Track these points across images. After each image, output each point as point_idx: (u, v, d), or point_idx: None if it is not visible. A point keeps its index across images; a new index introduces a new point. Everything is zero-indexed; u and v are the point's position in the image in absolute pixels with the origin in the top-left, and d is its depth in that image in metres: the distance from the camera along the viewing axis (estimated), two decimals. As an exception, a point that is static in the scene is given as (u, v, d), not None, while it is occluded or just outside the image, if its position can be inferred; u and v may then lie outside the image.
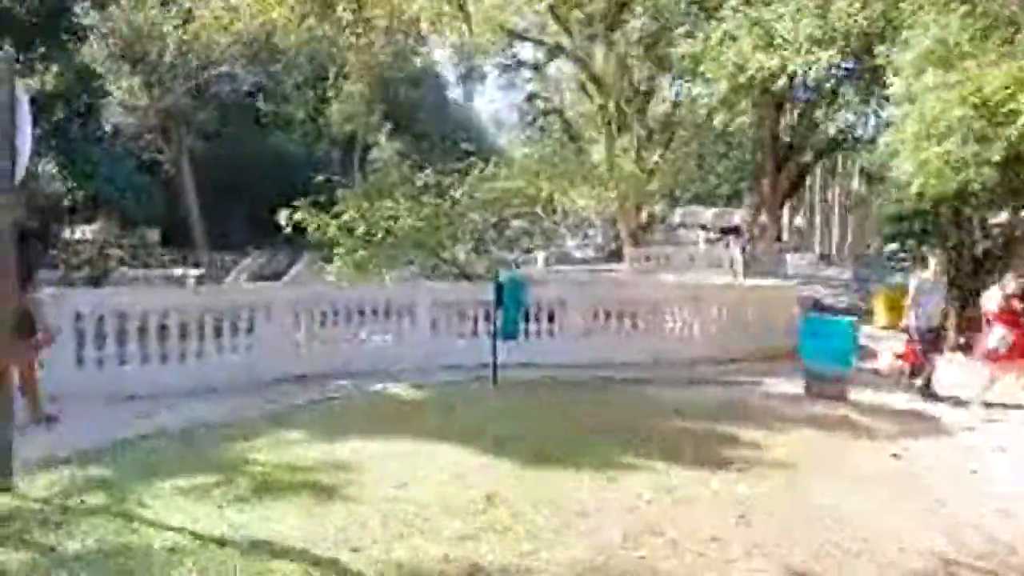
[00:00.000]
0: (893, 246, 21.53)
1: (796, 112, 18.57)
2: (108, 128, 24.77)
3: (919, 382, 8.00)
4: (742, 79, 11.61)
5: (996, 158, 6.55)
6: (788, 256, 24.31)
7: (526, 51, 28.04)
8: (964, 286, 11.54)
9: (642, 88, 21.75)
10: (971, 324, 11.35)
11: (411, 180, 13.42)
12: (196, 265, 23.07)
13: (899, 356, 8.35)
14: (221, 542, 3.55)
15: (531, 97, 32.34)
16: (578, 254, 31.44)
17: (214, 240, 26.98)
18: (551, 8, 19.72)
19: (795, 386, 8.25)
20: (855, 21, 9.70)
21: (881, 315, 13.94)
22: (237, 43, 24.32)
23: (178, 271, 20.99)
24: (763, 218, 21.13)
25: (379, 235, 11.91)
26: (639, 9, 17.22)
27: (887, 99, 13.06)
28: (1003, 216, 14.12)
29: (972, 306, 11.84)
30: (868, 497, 4.83)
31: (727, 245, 24.97)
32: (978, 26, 6.44)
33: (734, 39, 11.85)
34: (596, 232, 34.39)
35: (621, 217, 23.09)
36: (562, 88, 31.05)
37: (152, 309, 7.48)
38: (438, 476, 4.75)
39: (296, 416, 6.32)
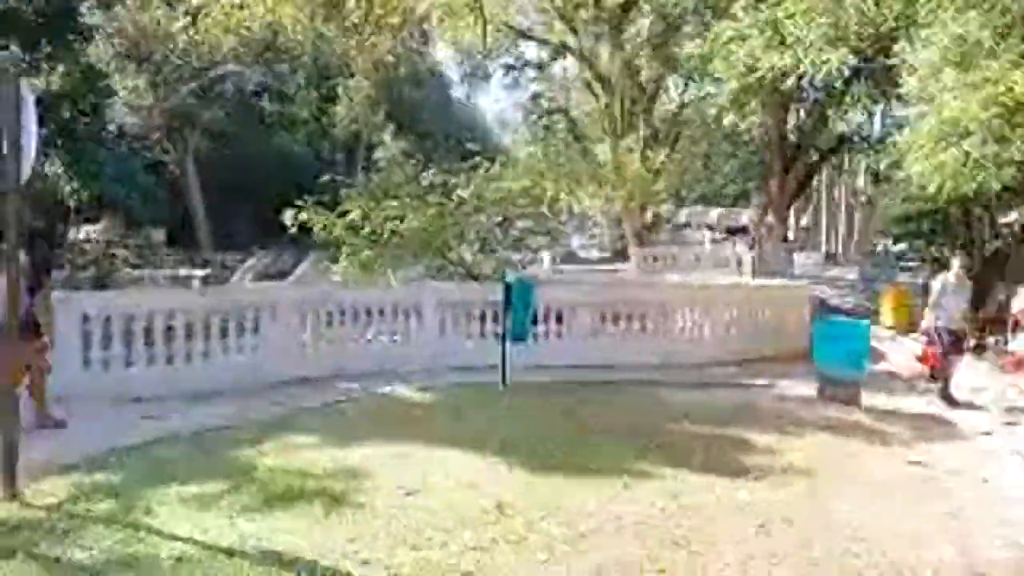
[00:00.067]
0: (901, 246, 21.42)
1: (804, 112, 18.43)
2: (113, 128, 24.76)
3: (939, 385, 7.86)
4: (752, 79, 11.48)
5: (1017, 157, 6.43)
6: (795, 256, 24.17)
7: (531, 50, 27.99)
8: (975, 286, 11.38)
9: (648, 88, 21.62)
10: (983, 325, 11.24)
11: (416, 180, 13.36)
12: (201, 265, 23.05)
13: (919, 359, 8.20)
14: (230, 552, 3.48)
15: (536, 97, 32.23)
16: (583, 254, 31.35)
17: (219, 240, 26.98)
18: (557, 8, 19.64)
19: (807, 389, 8.15)
20: (868, 20, 9.56)
21: (888, 316, 13.80)
22: (242, 43, 24.30)
23: (183, 271, 20.97)
24: (770, 218, 20.98)
25: (385, 235, 11.84)
26: (647, 8, 17.09)
27: (899, 99, 12.97)
28: (1012, 216, 13.99)
29: (983, 307, 11.74)
30: (886, 504, 4.73)
31: (734, 245, 24.85)
32: (998, 24, 6.31)
33: (744, 38, 11.72)
34: (601, 232, 34.28)
35: (626, 217, 22.97)
36: (567, 87, 30.95)
37: (158, 310, 7.43)
38: (448, 483, 4.67)
39: (304, 419, 6.25)
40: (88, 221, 24.15)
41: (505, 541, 3.75)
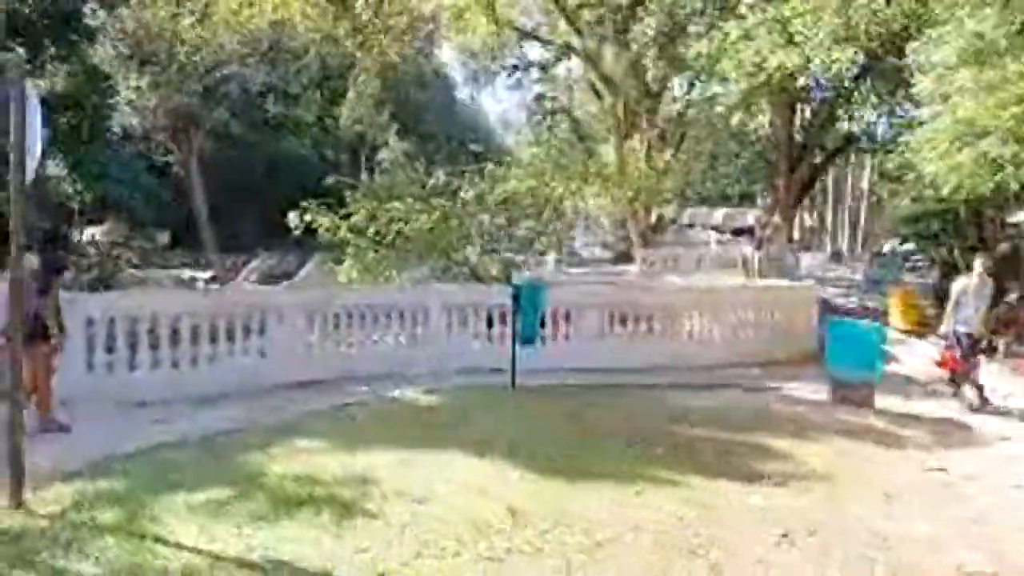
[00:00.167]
0: (909, 246, 21.26)
1: (810, 111, 18.30)
2: (118, 129, 24.74)
3: (968, 391, 7.67)
4: (760, 78, 11.38)
5: (1037, 157, 6.33)
6: (801, 256, 24.02)
7: (534, 51, 27.90)
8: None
9: (653, 88, 21.50)
10: (995, 328, 11.09)
11: (422, 181, 13.29)
12: (206, 267, 23.01)
13: (938, 364, 8.05)
14: (239, 562, 3.39)
15: (540, 97, 32.15)
16: (587, 255, 31.23)
17: (224, 242, 26.92)
18: (562, 8, 19.54)
19: (819, 391, 8.04)
20: (879, 18, 9.45)
21: (896, 317, 13.66)
22: (247, 44, 24.27)
23: (187, 273, 20.92)
24: (776, 218, 20.84)
25: (390, 236, 11.77)
26: (653, 7, 16.98)
27: (909, 98, 12.83)
28: (1021, 216, 13.86)
29: (995, 307, 11.58)
30: (907, 511, 4.64)
31: (739, 246, 24.70)
32: (1015, 22, 6.19)
33: (752, 38, 11.63)
34: (606, 233, 34.18)
35: (631, 218, 22.86)
36: (571, 88, 30.85)
37: (163, 312, 7.36)
38: (460, 490, 4.57)
39: (312, 423, 6.16)
40: (92, 223, 24.12)
41: (519, 551, 3.66)
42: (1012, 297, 11.71)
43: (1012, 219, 14.25)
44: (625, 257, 26.04)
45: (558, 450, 5.49)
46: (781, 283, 14.76)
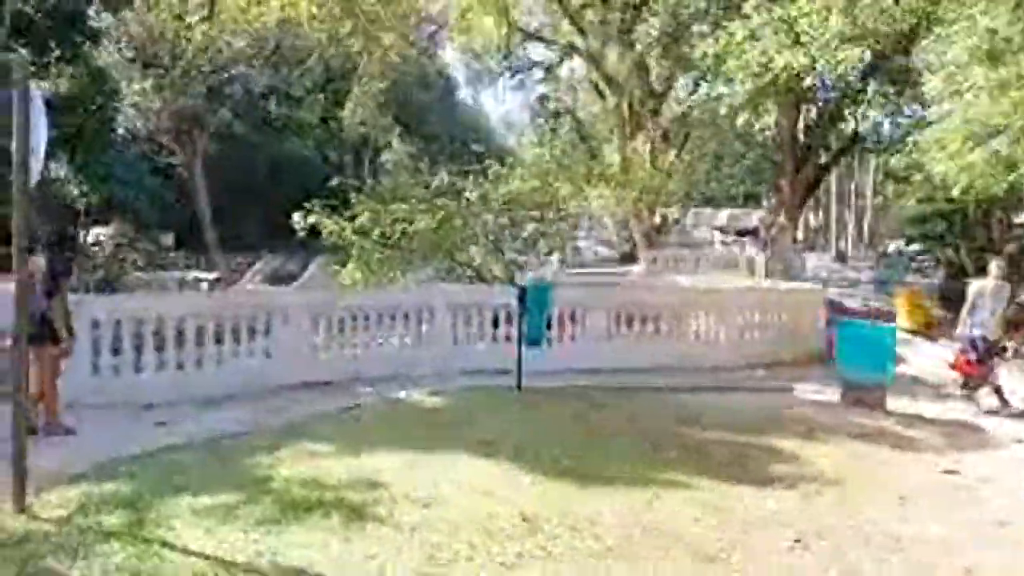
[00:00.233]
0: (915, 247, 21.17)
1: (816, 111, 18.20)
2: (122, 131, 24.76)
3: (985, 394, 7.57)
4: (767, 78, 11.31)
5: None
6: (806, 257, 23.94)
7: (538, 52, 27.86)
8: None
9: (657, 88, 21.44)
10: (1006, 328, 10.99)
11: (425, 182, 13.25)
12: (210, 268, 23.00)
13: (952, 366, 7.96)
14: (248, 568, 3.34)
15: (543, 98, 32.11)
16: (591, 257, 31.16)
17: (228, 243, 26.91)
18: (565, 8, 19.50)
19: (828, 393, 7.97)
20: (886, 16, 9.37)
21: (904, 318, 13.58)
22: (251, 45, 24.27)
23: (192, 275, 20.90)
24: (781, 219, 20.76)
25: (394, 238, 11.72)
26: (658, 7, 16.92)
27: (915, 98, 12.76)
28: (1028, 215, 13.78)
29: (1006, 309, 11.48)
30: (924, 515, 4.57)
31: (744, 247, 24.62)
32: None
33: (758, 38, 11.56)
34: (610, 234, 34.12)
35: (635, 219, 22.79)
36: (574, 88, 30.80)
37: (168, 314, 7.33)
38: (468, 493, 4.52)
39: (318, 425, 6.11)
40: (97, 224, 24.13)
41: (531, 556, 3.60)
42: (1022, 298, 11.62)
43: (1019, 220, 14.17)
44: (629, 258, 25.96)
45: (567, 452, 5.43)
46: (788, 285, 14.69)
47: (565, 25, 22.21)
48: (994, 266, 7.61)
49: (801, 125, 18.38)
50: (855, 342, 7.83)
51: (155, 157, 26.54)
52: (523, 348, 7.83)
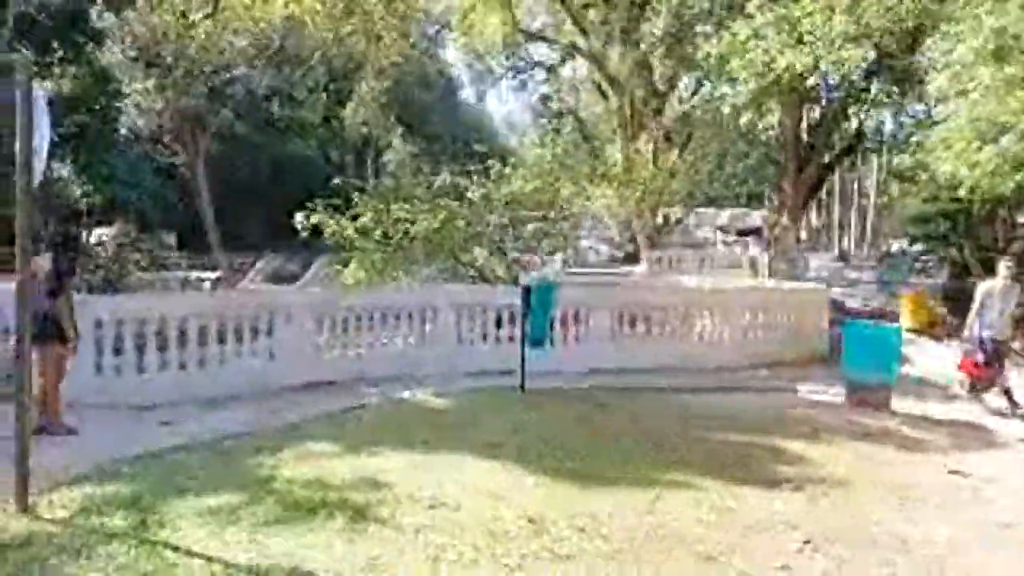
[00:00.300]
0: (918, 247, 21.08)
1: (818, 111, 18.15)
2: (124, 131, 24.78)
3: (994, 395, 7.51)
4: (770, 78, 11.27)
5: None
6: (809, 257, 23.88)
7: (540, 52, 27.85)
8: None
9: (660, 88, 21.40)
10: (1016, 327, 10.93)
11: (428, 183, 13.23)
12: (212, 268, 22.99)
13: (959, 367, 7.91)
14: (251, 570, 3.32)
15: (545, 98, 32.08)
16: (593, 257, 31.11)
17: (230, 243, 26.91)
18: (567, 8, 19.48)
19: (832, 393, 7.95)
20: (891, 15, 9.33)
21: (907, 317, 13.55)
22: (253, 46, 24.27)
23: (194, 275, 20.90)
24: (784, 219, 20.71)
25: (396, 238, 11.70)
26: (661, 7, 16.90)
27: (920, 97, 12.71)
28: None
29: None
30: (930, 517, 4.54)
31: (747, 247, 24.57)
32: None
33: (762, 37, 11.53)
34: (611, 234, 34.09)
35: (637, 219, 22.75)
36: (576, 88, 30.78)
37: (171, 314, 7.31)
38: (473, 494, 4.49)
39: (322, 426, 6.09)
40: (99, 224, 24.14)
41: (537, 558, 3.57)
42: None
43: (1022, 219, 14.09)
44: (631, 258, 25.91)
45: (571, 454, 5.41)
46: (791, 284, 14.66)
47: (567, 25, 22.19)
48: (1003, 266, 7.54)
49: (804, 125, 18.34)
50: (860, 342, 7.79)
51: (158, 157, 26.55)
52: (527, 348, 7.81)
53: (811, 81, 11.14)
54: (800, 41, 10.88)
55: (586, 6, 20.29)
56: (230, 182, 28.06)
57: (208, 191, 27.47)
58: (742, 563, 3.59)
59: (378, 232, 11.67)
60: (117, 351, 6.92)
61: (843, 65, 10.07)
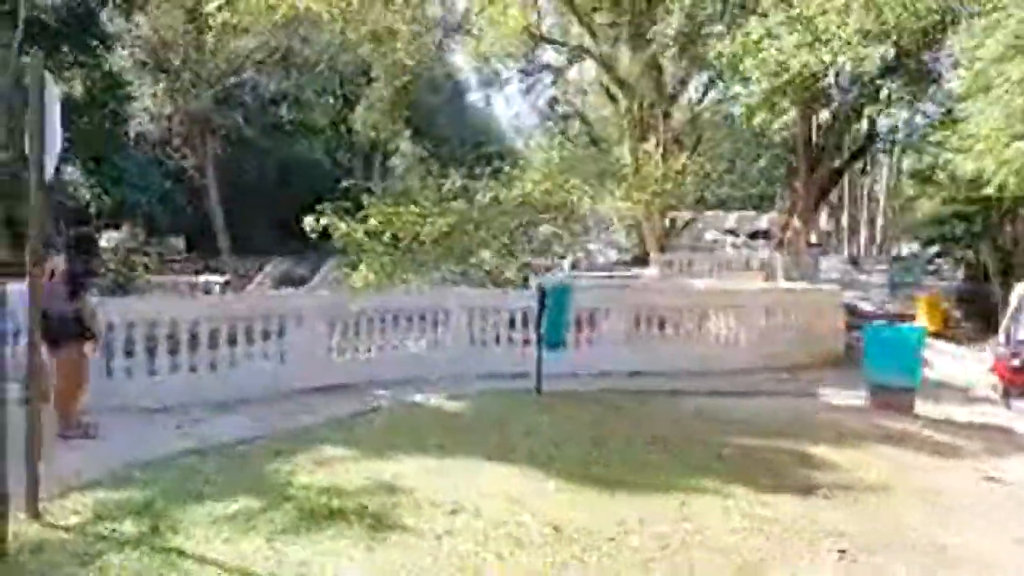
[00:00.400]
0: (932, 249, 20.85)
1: (831, 112, 17.98)
2: (133, 135, 24.85)
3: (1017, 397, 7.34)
4: (785, 78, 11.13)
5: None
6: (821, 259, 23.64)
7: (547, 55, 27.77)
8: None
9: (669, 89, 21.27)
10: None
11: (438, 185, 13.14)
12: (221, 271, 22.96)
13: (993, 371, 7.73)
14: (269, 579, 3.20)
15: (553, 101, 31.99)
16: (602, 259, 30.96)
17: (239, 246, 26.90)
18: (575, 11, 19.40)
19: (854, 396, 7.78)
20: (910, 11, 9.16)
21: (922, 320, 13.38)
22: (261, 49, 24.31)
23: (203, 278, 20.87)
24: (796, 221, 20.51)
25: (406, 241, 11.61)
26: (673, 7, 16.78)
27: (936, 96, 12.54)
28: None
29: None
30: (970, 525, 4.37)
31: (757, 250, 24.37)
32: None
33: (775, 36, 11.40)
34: (620, 236, 33.94)
35: (647, 221, 22.60)
36: (584, 91, 30.69)
37: (181, 317, 7.23)
38: (493, 500, 4.36)
39: (336, 430, 5.97)
40: (108, 228, 24.18)
41: (565, 566, 3.44)
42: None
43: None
44: (641, 261, 25.74)
45: (592, 458, 5.28)
46: (805, 286, 14.49)
47: (575, 28, 22.10)
48: None
49: (816, 126, 18.18)
50: (883, 345, 7.63)
51: (166, 161, 26.60)
52: (543, 351, 7.68)
53: (826, 80, 10.98)
54: (816, 40, 10.74)
55: (594, 9, 20.19)
56: (238, 185, 28.06)
57: (216, 194, 27.49)
58: (784, 573, 3.43)
59: (387, 235, 11.58)
60: (128, 353, 6.83)
61: (861, 63, 9.91)
